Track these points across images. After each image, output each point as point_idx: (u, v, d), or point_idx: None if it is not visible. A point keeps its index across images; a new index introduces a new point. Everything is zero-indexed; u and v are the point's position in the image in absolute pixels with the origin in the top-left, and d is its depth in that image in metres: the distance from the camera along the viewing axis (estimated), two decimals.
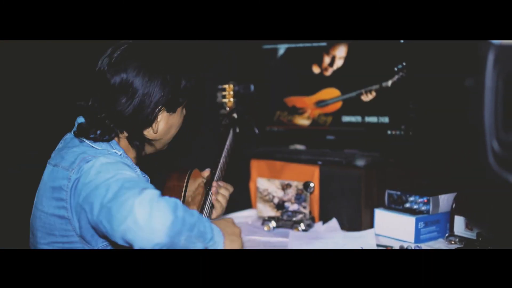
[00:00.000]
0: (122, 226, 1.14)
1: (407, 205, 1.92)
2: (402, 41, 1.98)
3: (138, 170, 1.45)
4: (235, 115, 1.97)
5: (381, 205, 2.00)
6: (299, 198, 2.14)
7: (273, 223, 2.09)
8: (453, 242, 1.81)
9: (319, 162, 2.13)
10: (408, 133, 2.03)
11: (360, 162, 2.01)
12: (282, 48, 2.31)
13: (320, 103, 2.24)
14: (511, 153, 0.93)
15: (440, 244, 1.85)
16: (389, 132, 2.07)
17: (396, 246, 1.81)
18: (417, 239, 1.84)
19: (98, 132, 1.40)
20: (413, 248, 1.77)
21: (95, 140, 1.40)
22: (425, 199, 1.88)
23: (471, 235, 1.78)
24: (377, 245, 1.82)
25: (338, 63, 2.17)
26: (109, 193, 1.19)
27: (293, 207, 2.16)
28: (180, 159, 2.22)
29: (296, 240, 1.91)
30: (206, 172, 1.75)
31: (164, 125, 1.47)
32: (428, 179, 2.08)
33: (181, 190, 1.57)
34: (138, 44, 1.44)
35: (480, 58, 0.94)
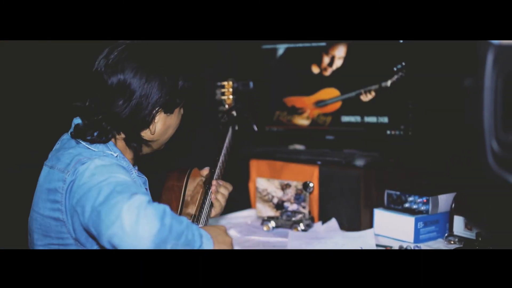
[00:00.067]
0: (109, 231, 1.14)
1: (407, 205, 1.92)
2: (401, 41, 1.99)
3: (134, 172, 1.44)
4: (234, 113, 1.96)
5: (381, 205, 2.00)
6: (298, 198, 2.14)
7: (272, 223, 2.09)
8: (452, 242, 1.81)
9: (319, 162, 2.13)
10: (407, 133, 2.03)
11: (360, 162, 2.01)
12: (281, 48, 2.31)
13: (319, 103, 2.24)
14: (510, 153, 0.93)
15: (439, 244, 1.85)
16: (388, 132, 2.07)
17: (395, 246, 1.81)
18: (417, 239, 1.84)
19: (95, 133, 1.39)
20: (412, 248, 1.77)
21: (92, 141, 1.39)
22: (424, 199, 1.88)
23: (470, 235, 1.78)
24: (377, 245, 1.82)
25: (338, 63, 2.17)
26: (100, 196, 1.19)
27: (293, 207, 2.16)
28: (180, 158, 2.22)
29: (295, 240, 1.91)
30: (205, 171, 1.74)
31: (162, 126, 1.46)
32: (427, 179, 2.08)
33: (180, 190, 1.57)
34: (135, 44, 1.43)
35: (479, 58, 0.94)
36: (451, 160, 1.99)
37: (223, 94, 1.98)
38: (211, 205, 1.67)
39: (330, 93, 2.21)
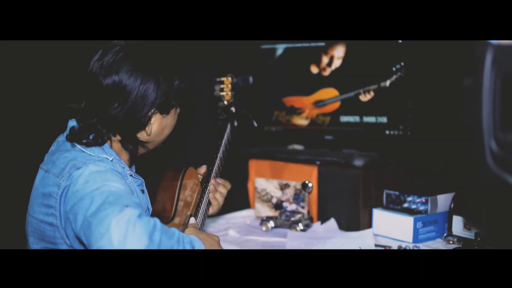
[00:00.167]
0: (99, 243, 1.15)
1: (405, 205, 1.92)
2: (400, 41, 1.99)
3: (129, 177, 1.43)
4: (232, 109, 1.93)
5: (379, 205, 2.00)
6: (297, 198, 2.14)
7: (271, 223, 2.09)
8: (451, 242, 1.81)
9: (317, 162, 2.13)
10: (406, 133, 2.03)
11: (359, 162, 2.01)
12: (280, 48, 2.31)
13: (318, 103, 2.24)
14: (509, 153, 0.93)
15: (438, 244, 1.85)
16: (387, 132, 2.07)
17: (394, 246, 1.81)
18: (415, 239, 1.84)
19: (91, 136, 1.38)
20: (411, 248, 1.77)
21: (87, 145, 1.38)
22: (423, 199, 1.88)
23: (469, 235, 1.78)
24: (375, 245, 1.82)
25: (336, 63, 2.17)
26: (92, 206, 1.19)
27: (291, 207, 2.16)
28: (179, 158, 2.22)
29: (294, 240, 1.91)
30: (203, 169, 1.72)
31: (158, 127, 1.45)
32: (426, 179, 2.08)
33: (175, 190, 1.55)
34: (130, 45, 1.41)
35: (478, 58, 0.94)
36: (450, 160, 1.99)
37: (222, 90, 1.95)
38: (209, 204, 1.66)
39: (329, 93, 2.21)
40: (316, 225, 2.07)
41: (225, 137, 1.81)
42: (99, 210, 1.18)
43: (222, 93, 1.96)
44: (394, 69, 2.02)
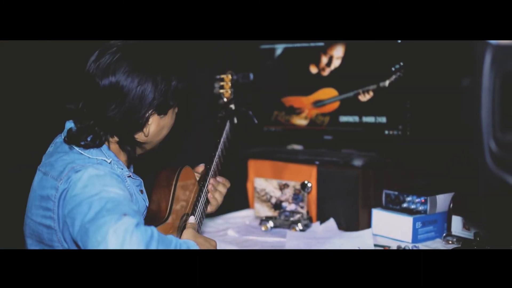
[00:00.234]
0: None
1: (405, 205, 1.92)
2: (399, 41, 1.99)
3: (128, 180, 1.42)
4: (232, 106, 1.91)
5: (379, 205, 2.00)
6: (296, 198, 2.14)
7: (270, 223, 2.09)
8: (450, 242, 1.81)
9: (317, 162, 2.13)
10: (405, 133, 2.03)
11: (358, 162, 2.01)
12: (279, 48, 2.31)
13: (317, 103, 2.24)
14: (508, 153, 0.93)
15: (437, 244, 1.85)
16: (386, 132, 2.07)
17: (393, 246, 1.81)
18: (415, 239, 1.84)
19: (89, 138, 1.37)
20: (410, 248, 1.77)
21: (85, 147, 1.37)
22: (422, 199, 1.88)
23: (468, 235, 1.78)
24: (375, 245, 1.82)
25: (336, 63, 2.17)
26: (90, 212, 1.19)
27: (291, 207, 2.16)
28: (178, 158, 2.22)
29: (293, 240, 1.91)
30: (201, 168, 1.70)
31: (155, 128, 1.44)
32: (425, 179, 2.08)
33: (170, 189, 1.53)
34: (127, 46, 1.40)
35: (477, 58, 0.94)
36: (449, 160, 1.99)
37: (221, 87, 1.93)
38: (206, 202, 1.65)
39: (328, 93, 2.21)
40: (315, 225, 2.07)
41: (224, 134, 1.79)
42: (97, 217, 1.18)
43: (221, 91, 1.93)
44: (393, 69, 2.02)
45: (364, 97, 2.11)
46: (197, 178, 1.67)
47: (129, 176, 1.44)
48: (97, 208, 1.19)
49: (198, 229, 1.55)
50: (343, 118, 2.17)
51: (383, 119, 2.07)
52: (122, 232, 1.15)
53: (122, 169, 1.41)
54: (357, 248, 1.76)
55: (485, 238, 1.71)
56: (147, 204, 1.52)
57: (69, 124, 1.42)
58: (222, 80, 1.93)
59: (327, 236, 1.94)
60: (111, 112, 1.36)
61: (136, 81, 1.36)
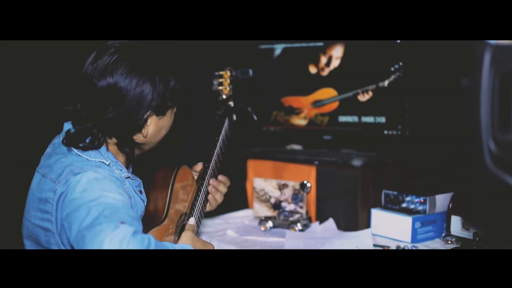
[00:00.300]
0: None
1: (404, 205, 1.92)
2: (398, 41, 1.99)
3: (126, 182, 1.42)
4: (231, 103, 1.89)
5: (378, 205, 2.00)
6: (295, 198, 2.14)
7: (269, 223, 2.09)
8: (449, 242, 1.81)
9: (316, 162, 2.13)
10: (404, 133, 2.03)
11: (357, 162, 2.01)
12: (278, 48, 2.31)
13: (316, 103, 2.24)
14: (507, 153, 0.93)
15: (436, 244, 1.85)
16: (385, 132, 2.07)
17: (392, 246, 1.81)
18: (414, 239, 1.84)
19: (87, 140, 1.37)
20: (409, 248, 1.77)
21: (84, 149, 1.37)
22: (421, 199, 1.88)
23: (467, 235, 1.78)
24: (374, 245, 1.82)
25: (335, 63, 2.17)
26: (88, 218, 1.19)
27: (290, 207, 2.16)
28: (178, 158, 2.21)
29: (292, 240, 1.91)
30: (199, 166, 1.69)
31: (154, 129, 1.44)
32: (425, 179, 2.08)
33: (167, 189, 1.52)
34: (124, 47, 1.39)
35: (477, 58, 0.94)
36: (449, 160, 1.99)
37: (220, 84, 1.91)
38: (205, 202, 1.64)
39: (327, 93, 2.21)
40: (315, 225, 2.07)
41: (223, 132, 1.77)
42: (94, 223, 1.18)
43: (220, 87, 1.91)
44: (392, 69, 2.02)
45: (363, 97, 2.11)
46: (195, 177, 1.66)
47: (128, 177, 1.44)
48: (95, 214, 1.19)
49: (197, 229, 1.54)
50: (342, 118, 2.17)
51: (382, 119, 2.07)
52: (118, 241, 1.14)
53: (121, 170, 1.41)
54: (356, 248, 1.76)
55: (484, 238, 1.71)
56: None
57: (67, 126, 1.41)
58: (221, 76, 1.91)
59: (326, 236, 1.94)
60: (109, 114, 1.35)
61: (134, 82, 1.35)
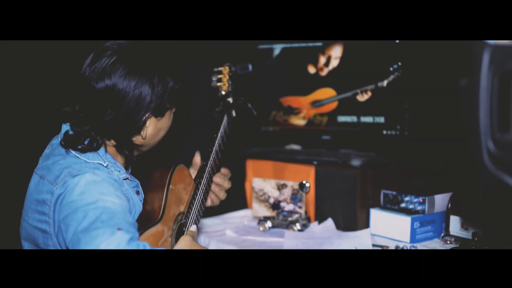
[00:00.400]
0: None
1: (403, 205, 1.92)
2: (397, 41, 1.99)
3: (125, 184, 1.42)
4: (230, 100, 1.87)
5: (377, 205, 2.00)
6: (294, 198, 2.14)
7: (268, 223, 2.09)
8: (448, 242, 1.81)
9: (315, 162, 2.13)
10: (403, 133, 2.03)
11: (356, 162, 2.01)
12: (277, 48, 2.31)
13: (315, 103, 2.24)
14: (506, 153, 0.93)
15: (435, 244, 1.85)
16: (384, 132, 2.07)
17: (391, 246, 1.81)
18: (413, 239, 1.84)
19: (86, 142, 1.37)
20: (408, 248, 1.77)
21: (83, 151, 1.36)
22: (420, 199, 1.88)
23: (466, 235, 1.78)
24: (373, 245, 1.82)
25: (334, 63, 2.17)
26: (85, 222, 1.19)
27: (289, 207, 2.16)
28: (178, 158, 2.21)
29: (291, 240, 1.91)
30: (197, 157, 1.68)
31: (153, 130, 1.44)
32: (423, 179, 2.08)
33: (163, 189, 1.52)
34: (123, 49, 1.39)
35: (476, 58, 0.94)
36: (448, 160, 1.99)
37: (219, 80, 1.89)
38: (203, 201, 1.63)
39: (326, 93, 2.21)
40: (314, 225, 2.07)
41: (222, 129, 1.76)
42: (91, 227, 1.17)
43: (219, 84, 1.89)
44: (391, 69, 2.02)
45: (362, 97, 2.11)
46: (193, 175, 1.66)
47: (127, 178, 1.43)
48: (92, 218, 1.19)
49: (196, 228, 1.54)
50: (341, 118, 2.17)
51: (381, 119, 2.07)
52: (113, 247, 1.14)
53: (119, 171, 1.40)
54: (355, 248, 1.76)
55: (483, 238, 1.71)
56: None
57: (66, 127, 1.40)
58: (220, 72, 1.89)
59: (325, 236, 1.94)
60: (107, 116, 1.35)
61: (133, 84, 1.35)
